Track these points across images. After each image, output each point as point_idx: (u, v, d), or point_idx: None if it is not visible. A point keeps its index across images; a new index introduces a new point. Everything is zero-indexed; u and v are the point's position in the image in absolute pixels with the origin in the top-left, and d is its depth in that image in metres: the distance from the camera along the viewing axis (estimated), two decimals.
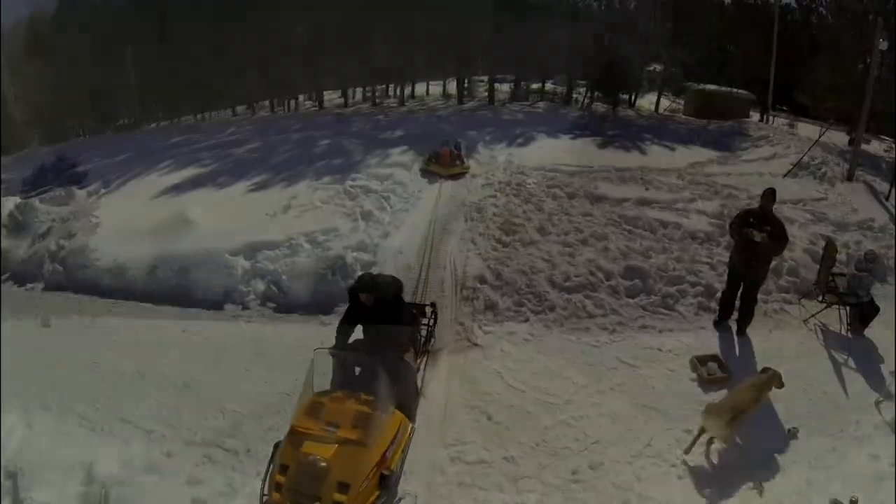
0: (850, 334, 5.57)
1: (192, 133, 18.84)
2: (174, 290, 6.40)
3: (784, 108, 23.62)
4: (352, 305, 4.27)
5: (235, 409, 4.39)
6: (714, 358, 4.81)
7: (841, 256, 6.53)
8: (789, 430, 4.14)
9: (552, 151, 10.91)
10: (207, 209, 8.03)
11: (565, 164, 9.75)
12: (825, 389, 4.66)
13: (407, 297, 5.37)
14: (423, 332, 4.83)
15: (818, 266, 5.99)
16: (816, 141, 11.48)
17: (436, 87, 23.76)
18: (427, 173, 9.58)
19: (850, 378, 4.85)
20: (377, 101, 21.36)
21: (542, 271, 5.73)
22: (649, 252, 6.14)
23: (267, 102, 24.99)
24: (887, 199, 9.90)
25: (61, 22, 26.42)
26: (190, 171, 11.30)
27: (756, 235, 4.64)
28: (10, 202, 9.77)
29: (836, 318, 5.68)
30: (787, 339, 5.40)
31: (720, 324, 5.37)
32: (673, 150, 12.06)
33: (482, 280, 5.66)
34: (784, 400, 4.22)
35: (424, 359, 4.70)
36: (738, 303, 5.26)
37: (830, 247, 5.87)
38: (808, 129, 15.17)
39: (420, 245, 6.52)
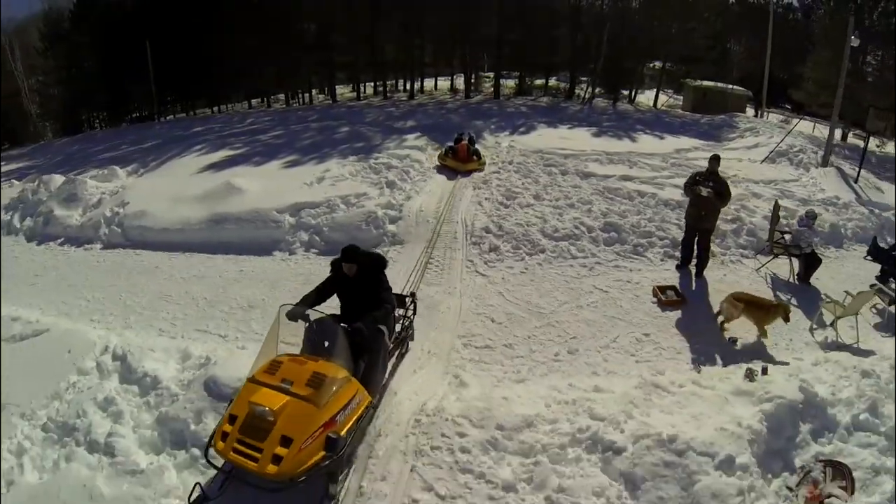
0: (797, 282, 6.88)
1: (212, 123, 20.17)
2: (229, 242, 7.78)
3: (786, 105, 24.95)
4: (331, 277, 4.37)
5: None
6: (672, 287, 6.14)
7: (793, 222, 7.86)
8: (730, 339, 5.46)
9: (550, 139, 12.32)
10: (250, 180, 9.45)
11: (561, 148, 11.10)
12: None
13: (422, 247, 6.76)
14: (402, 323, 4.95)
15: (771, 223, 7.34)
16: (789, 132, 12.86)
17: (443, 83, 25.20)
18: (443, 168, 9.85)
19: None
20: (388, 94, 22.84)
21: (536, 225, 7.12)
22: (626, 213, 7.51)
23: (281, 95, 26.61)
24: (856, 181, 11.24)
25: (78, 16, 28.24)
26: (223, 153, 12.70)
27: (703, 191, 5.98)
28: (58, 179, 11.21)
29: (787, 270, 7.00)
30: (739, 281, 6.71)
31: (682, 268, 6.70)
32: (662, 138, 13.43)
33: (487, 230, 7.05)
34: (734, 322, 5.54)
35: (400, 348, 4.91)
36: (695, 250, 6.62)
37: (776, 207, 7.21)
38: (802, 125, 16.52)
39: (436, 206, 7.92)
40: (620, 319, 5.55)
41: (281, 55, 23.86)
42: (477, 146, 10.55)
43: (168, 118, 26.75)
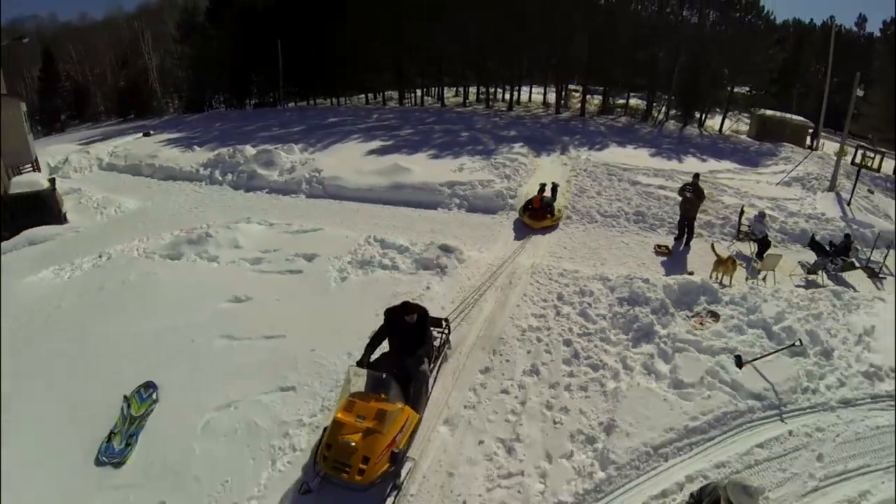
0: (754, 256, 12.25)
1: (340, 115, 26.60)
2: (407, 200, 13.98)
3: (852, 135, 28.59)
4: (385, 325, 6.58)
5: (457, 236, 11.72)
6: (665, 246, 11.75)
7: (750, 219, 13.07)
8: (691, 271, 11.04)
9: (616, 156, 17.92)
10: (411, 164, 15.85)
11: (622, 163, 16.71)
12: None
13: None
14: (439, 342, 7.18)
15: (738, 220, 12.72)
16: (801, 162, 17.75)
17: (536, 95, 31.02)
18: (521, 225, 12.56)
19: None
20: (490, 103, 28.99)
21: (594, 208, 12.97)
22: (651, 207, 13.15)
23: (392, 93, 32.87)
24: (848, 203, 15.89)
25: (213, 13, 35.66)
26: (377, 143, 19.20)
27: (687, 193, 11.60)
28: (251, 149, 17.51)
29: (748, 250, 12.34)
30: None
31: (677, 239, 12.20)
32: (704, 161, 18.60)
33: (564, 207, 13.03)
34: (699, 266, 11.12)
35: (438, 363, 7.09)
36: (686, 229, 12.18)
37: (742, 211, 12.67)
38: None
39: (534, 191, 13.96)
40: (631, 255, 11.18)
41: (399, 60, 30.27)
42: (554, 198, 13.13)
43: (289, 105, 33.81)
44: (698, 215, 12.34)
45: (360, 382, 5.97)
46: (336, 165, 16.16)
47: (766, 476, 5.87)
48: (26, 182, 15.13)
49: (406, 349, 6.48)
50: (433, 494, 5.55)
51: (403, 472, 5.77)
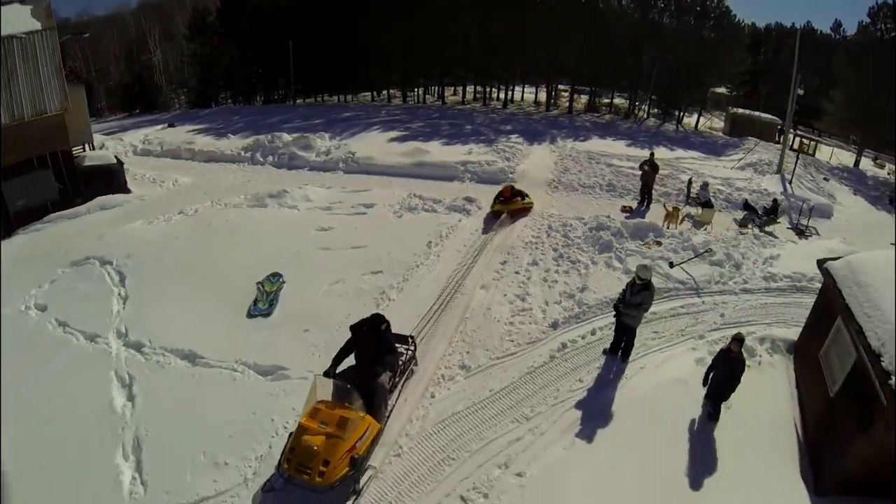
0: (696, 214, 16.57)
1: (351, 111, 30.63)
2: (428, 174, 18.03)
3: (814, 130, 33.30)
4: (351, 339, 7.51)
5: (469, 197, 15.76)
6: (629, 207, 16.00)
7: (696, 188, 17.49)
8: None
9: (597, 145, 22.28)
10: (428, 148, 20.05)
11: (601, 151, 21.07)
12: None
13: (526, 184, 17.02)
14: (405, 358, 8.02)
15: (687, 188, 17.09)
16: (751, 149, 22.32)
17: (528, 95, 35.48)
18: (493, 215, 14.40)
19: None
20: (486, 101, 33.39)
21: (574, 180, 17.24)
22: (620, 180, 17.45)
23: (397, 92, 36.90)
24: (790, 182, 20.29)
25: (224, 13, 38.96)
26: (395, 133, 23.41)
27: (645, 167, 15.91)
28: (287, 136, 21.66)
29: (695, 212, 16.68)
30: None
31: (640, 203, 16.49)
32: (673, 150, 23.06)
33: (554, 181, 17.29)
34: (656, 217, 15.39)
35: (404, 378, 7.95)
36: (645, 197, 16.46)
37: (690, 181, 17.05)
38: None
39: (528, 169, 18.16)
40: (602, 211, 15.25)
41: (403, 61, 34.31)
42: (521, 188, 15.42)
43: (298, 102, 37.23)
44: (656, 186, 16.67)
45: (325, 391, 6.86)
46: (365, 148, 20.31)
47: (684, 320, 9.97)
48: (98, 157, 19.00)
49: (370, 363, 7.38)
50: (479, 317, 9.61)
51: (363, 479, 6.66)
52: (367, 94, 38.39)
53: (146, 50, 43.48)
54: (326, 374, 7.19)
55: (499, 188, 15.29)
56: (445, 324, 9.46)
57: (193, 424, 7.61)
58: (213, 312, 10.22)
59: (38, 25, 16.49)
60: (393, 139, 22.26)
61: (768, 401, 7.99)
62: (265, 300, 10.44)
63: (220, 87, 42.43)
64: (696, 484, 6.61)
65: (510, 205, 14.50)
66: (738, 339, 7.22)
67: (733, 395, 7.54)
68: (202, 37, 40.38)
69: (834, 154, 28.20)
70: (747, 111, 31.54)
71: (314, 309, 9.98)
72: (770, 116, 31.73)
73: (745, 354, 7.66)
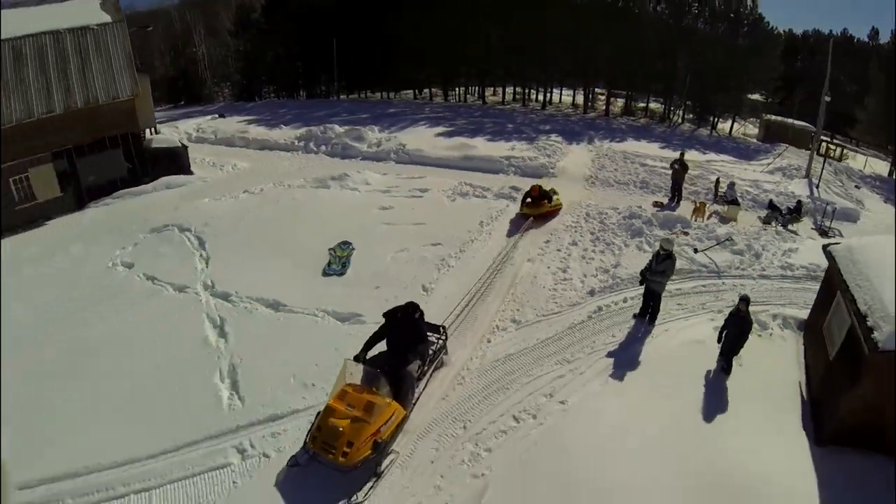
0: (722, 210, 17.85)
1: (395, 107, 32.18)
2: (476, 167, 19.65)
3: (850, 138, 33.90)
4: (384, 325, 7.92)
5: (514, 186, 17.35)
6: (660, 202, 17.34)
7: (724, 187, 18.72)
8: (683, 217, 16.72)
9: (632, 146, 23.58)
10: (475, 143, 21.69)
11: (635, 151, 22.42)
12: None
13: (567, 179, 18.52)
14: (435, 347, 8.44)
15: (714, 187, 18.36)
16: (780, 154, 23.34)
17: (566, 97, 36.82)
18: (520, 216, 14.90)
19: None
20: (525, 102, 34.86)
21: (610, 177, 18.65)
22: (653, 178, 18.80)
23: (438, 90, 38.50)
24: (817, 187, 21.34)
25: (268, 10, 40.51)
26: (441, 129, 25.10)
27: (675, 165, 17.25)
28: (339, 128, 23.53)
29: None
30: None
31: (670, 200, 17.84)
32: (704, 154, 24.24)
33: (589, 176, 18.76)
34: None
35: (433, 367, 8.35)
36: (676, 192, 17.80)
37: (718, 181, 18.32)
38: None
39: (567, 166, 19.64)
40: (637, 205, 16.75)
41: (445, 62, 35.78)
42: (550, 190, 15.62)
43: (342, 97, 38.96)
44: (686, 185, 17.99)
45: (355, 375, 7.28)
46: (415, 141, 22.03)
47: (705, 297, 11.34)
48: (164, 140, 21.09)
49: (401, 350, 7.77)
50: (527, 283, 11.22)
51: (385, 463, 7.04)
52: (408, 91, 39.82)
53: (190, 44, 45.10)
54: (356, 358, 7.57)
55: (538, 181, 16.71)
56: (498, 287, 11.12)
57: (282, 356, 9.26)
58: (290, 272, 12.01)
59: (108, 18, 18.68)
60: (439, 134, 23.94)
61: (777, 365, 9.33)
62: (338, 263, 12.19)
63: (263, 82, 44.17)
64: (707, 421, 8.00)
65: (538, 208, 14.91)
66: (745, 300, 8.66)
67: (746, 356, 8.96)
68: (247, 33, 42.12)
69: (868, 163, 28.79)
70: (780, 118, 32.18)
71: (383, 271, 11.71)
72: (803, 123, 32.17)
73: (756, 325, 9.07)
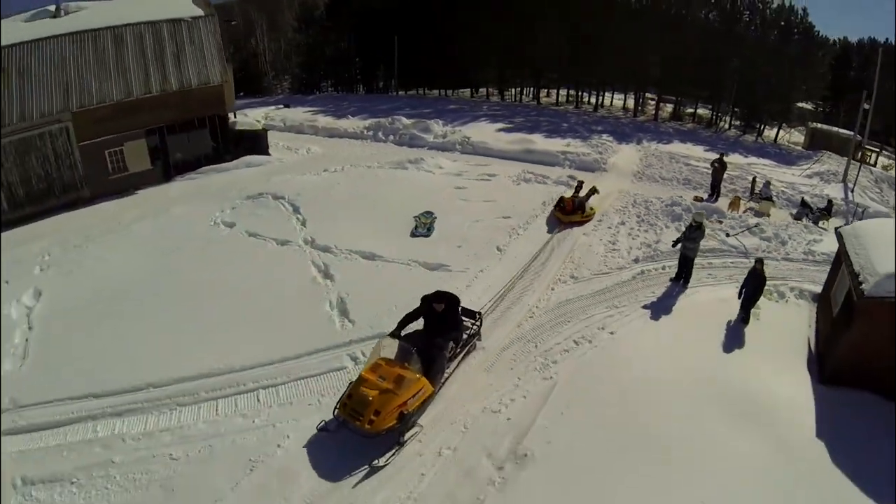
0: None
1: (454, 104, 34.71)
2: (536, 160, 22.10)
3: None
4: (420, 307, 8.55)
5: (571, 176, 19.93)
6: (700, 197, 19.41)
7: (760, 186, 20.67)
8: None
9: (677, 147, 25.70)
10: (534, 139, 24.22)
11: (681, 153, 24.53)
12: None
13: (616, 173, 20.90)
14: (471, 331, 9.34)
15: (751, 186, 20.38)
16: (818, 160, 25.01)
17: (617, 101, 38.86)
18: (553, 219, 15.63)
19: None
20: (578, 104, 37.09)
21: (656, 173, 20.89)
22: (695, 176, 20.91)
23: (494, 90, 40.69)
24: (852, 191, 23.01)
25: (331, 9, 43.32)
26: (501, 125, 27.64)
27: (715, 164, 19.36)
28: (406, 119, 26.23)
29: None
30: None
31: (710, 196, 19.94)
32: (747, 157, 26.09)
33: (637, 172, 21.05)
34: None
35: (465, 350, 9.15)
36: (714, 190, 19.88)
37: (754, 179, 20.33)
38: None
39: (617, 162, 21.96)
40: (679, 194, 18.91)
41: (501, 63, 38.03)
42: (587, 198, 16.19)
43: (400, 93, 41.18)
44: (725, 184, 20.07)
45: (390, 350, 7.85)
46: (478, 135, 24.66)
47: (732, 271, 13.50)
48: (246, 123, 24.15)
49: (434, 332, 8.33)
50: (583, 250, 13.76)
51: (408, 434, 7.51)
52: (464, 90, 42.16)
53: (252, 38, 47.34)
54: (392, 334, 8.27)
55: (590, 175, 19.14)
56: (559, 252, 13.75)
57: (383, 292, 11.57)
58: (381, 233, 14.49)
59: (200, 12, 21.63)
60: (500, 129, 26.55)
61: (791, 324, 11.49)
62: (424, 227, 14.86)
63: (321, 76, 46.76)
64: (725, 352, 10.35)
65: (570, 216, 15.61)
66: (760, 260, 11.01)
67: (763, 315, 11.26)
68: (310, 29, 44.92)
69: None
70: (827, 126, 33.35)
71: (463, 234, 14.40)
72: (848, 132, 33.04)
73: (775, 294, 11.43)
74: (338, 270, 12.69)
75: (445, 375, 8.62)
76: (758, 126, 34.39)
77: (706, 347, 10.39)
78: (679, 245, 12.36)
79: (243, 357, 9.58)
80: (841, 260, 11.26)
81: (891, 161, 31.07)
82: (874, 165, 26.15)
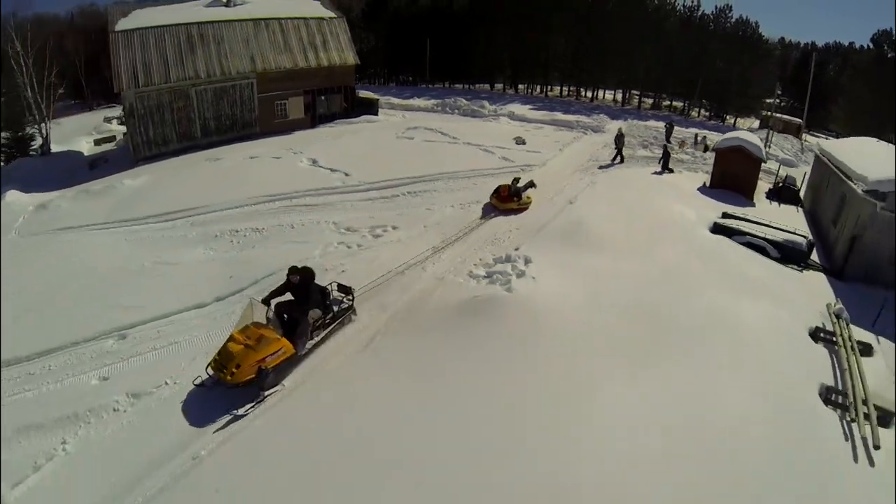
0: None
1: (488, 95, 46.56)
2: (562, 124, 34.95)
3: (830, 130, 47.79)
4: (285, 282, 9.65)
5: (583, 132, 32.46)
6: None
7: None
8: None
9: (652, 123, 38.60)
10: (557, 113, 36.92)
11: (653, 126, 37.32)
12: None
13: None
14: (342, 305, 10.55)
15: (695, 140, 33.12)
16: (755, 130, 37.97)
17: (608, 95, 51.65)
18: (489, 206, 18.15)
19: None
20: (578, 97, 49.78)
21: (638, 137, 33.67)
22: (658, 138, 33.69)
23: (508, 85, 52.53)
24: (766, 146, 35.67)
25: (368, 14, 52.37)
26: (529, 106, 40.62)
27: (667, 126, 32.02)
28: (464, 101, 39.04)
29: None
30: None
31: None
32: (700, 130, 38.74)
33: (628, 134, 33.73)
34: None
35: (336, 322, 10.27)
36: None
37: (696, 136, 33.12)
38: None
39: (612, 128, 34.53)
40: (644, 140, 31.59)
41: (516, 62, 50.34)
42: (525, 189, 18.60)
43: (431, 86, 50.62)
44: (674, 137, 32.63)
45: (259, 315, 9.19)
46: (517, 111, 37.38)
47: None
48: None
49: (296, 302, 9.73)
50: (583, 203, 25.75)
51: (268, 391, 8.80)
52: (483, 84, 51.24)
53: None
54: (263, 300, 9.44)
55: (595, 135, 31.63)
56: (577, 161, 26.34)
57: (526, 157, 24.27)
58: (503, 139, 28.41)
59: (332, 14, 33.52)
60: (530, 108, 39.46)
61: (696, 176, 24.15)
62: (521, 140, 27.85)
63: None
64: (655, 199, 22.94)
65: (505, 204, 17.42)
66: (670, 123, 25.43)
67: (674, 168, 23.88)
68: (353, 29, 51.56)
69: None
70: (778, 114, 43.77)
71: (539, 143, 28.16)
72: (791, 117, 44.68)
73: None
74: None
75: (313, 341, 9.85)
76: (722, 115, 46.94)
77: (646, 195, 22.81)
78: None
79: None
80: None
81: (816, 136, 43.71)
82: (798, 137, 39.06)
